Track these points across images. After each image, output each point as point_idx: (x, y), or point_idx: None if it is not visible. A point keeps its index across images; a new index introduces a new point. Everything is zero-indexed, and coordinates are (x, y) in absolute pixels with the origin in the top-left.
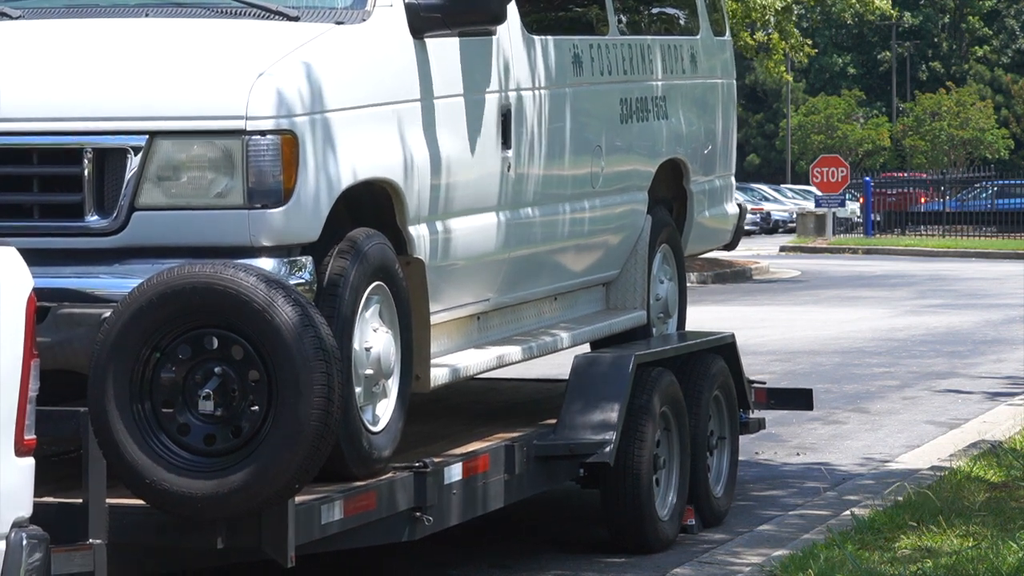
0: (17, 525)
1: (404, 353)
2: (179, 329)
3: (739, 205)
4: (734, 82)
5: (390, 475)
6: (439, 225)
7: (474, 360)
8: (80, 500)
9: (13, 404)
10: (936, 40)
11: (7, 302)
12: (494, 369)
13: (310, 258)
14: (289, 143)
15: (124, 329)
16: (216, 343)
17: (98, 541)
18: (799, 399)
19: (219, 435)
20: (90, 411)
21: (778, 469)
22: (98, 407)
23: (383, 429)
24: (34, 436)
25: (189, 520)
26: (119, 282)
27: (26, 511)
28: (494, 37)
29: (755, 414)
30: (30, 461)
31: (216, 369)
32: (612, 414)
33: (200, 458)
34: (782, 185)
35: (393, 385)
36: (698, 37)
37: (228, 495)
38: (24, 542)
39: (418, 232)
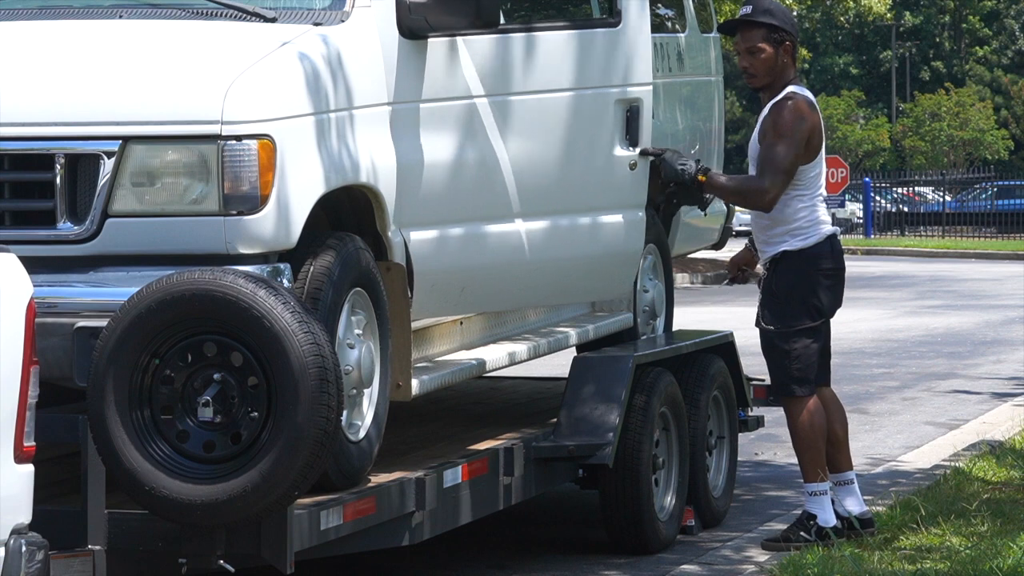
0: (16, 532)
1: (384, 360)
2: (178, 336)
3: (726, 204)
4: (722, 80)
5: (390, 479)
6: (424, 232)
7: (457, 367)
8: (79, 506)
9: (13, 410)
10: (937, 40)
11: (7, 308)
12: (477, 376)
13: (288, 265)
14: (266, 148)
15: (123, 336)
16: (215, 350)
17: (97, 547)
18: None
19: (218, 442)
20: (90, 417)
21: (778, 470)
22: (97, 413)
23: (363, 439)
24: (34, 443)
25: (188, 526)
26: (93, 291)
27: (25, 518)
28: (482, 38)
29: (754, 411)
30: (29, 468)
31: (215, 376)
32: (611, 415)
33: (199, 464)
34: None
35: (373, 394)
36: (684, 35)
37: (227, 502)
38: (23, 548)
39: (399, 237)
